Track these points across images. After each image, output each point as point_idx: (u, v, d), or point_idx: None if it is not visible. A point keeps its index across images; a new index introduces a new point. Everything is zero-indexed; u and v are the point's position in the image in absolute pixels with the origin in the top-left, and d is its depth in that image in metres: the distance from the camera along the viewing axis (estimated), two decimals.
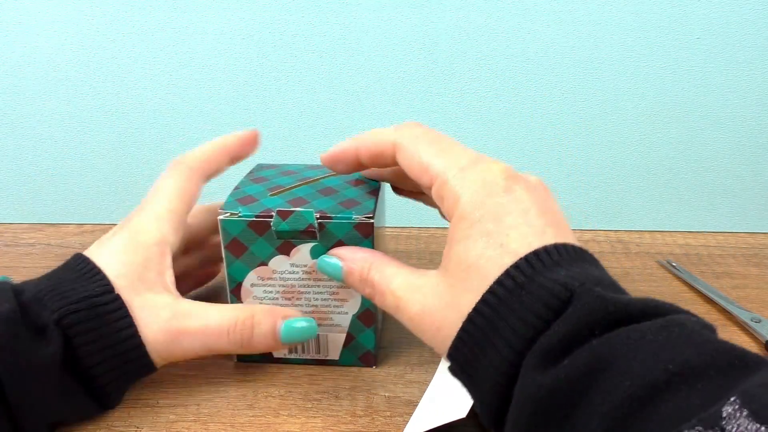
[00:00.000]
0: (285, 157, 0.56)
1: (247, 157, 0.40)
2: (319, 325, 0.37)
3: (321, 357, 0.39)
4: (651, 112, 0.54)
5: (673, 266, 0.51)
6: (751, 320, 0.44)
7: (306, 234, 0.35)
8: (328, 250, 0.35)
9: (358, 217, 0.35)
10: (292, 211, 0.35)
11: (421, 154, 0.30)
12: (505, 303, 0.24)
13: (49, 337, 0.31)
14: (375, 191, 0.38)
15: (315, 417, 0.36)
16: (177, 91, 0.54)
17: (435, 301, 0.28)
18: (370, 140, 0.33)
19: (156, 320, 0.34)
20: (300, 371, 0.40)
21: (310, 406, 0.37)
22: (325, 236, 0.35)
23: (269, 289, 0.37)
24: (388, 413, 0.36)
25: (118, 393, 0.35)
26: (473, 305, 0.25)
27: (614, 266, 0.52)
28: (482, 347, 0.25)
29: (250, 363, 0.40)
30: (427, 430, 0.33)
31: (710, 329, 0.23)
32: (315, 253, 0.36)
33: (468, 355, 0.26)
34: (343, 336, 0.38)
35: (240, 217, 0.35)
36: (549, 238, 0.26)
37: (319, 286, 0.37)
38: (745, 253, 0.55)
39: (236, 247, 0.36)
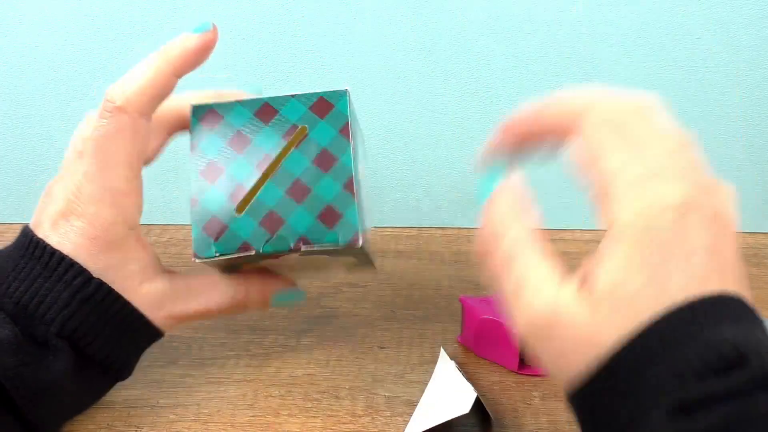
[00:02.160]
0: None
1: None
2: (315, 270, 0.38)
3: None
4: None
5: None
6: None
7: (291, 252, 0.32)
8: (316, 256, 0.33)
9: (343, 240, 0.31)
10: (269, 239, 0.32)
11: (601, 141, 0.26)
12: (657, 354, 0.21)
13: (55, 352, 0.30)
14: (350, 179, 0.32)
15: (315, 417, 0.36)
16: (177, 91, 0.54)
17: (570, 323, 0.23)
18: (547, 117, 0.29)
19: (159, 311, 0.34)
20: (300, 371, 0.40)
21: (310, 406, 0.37)
22: (308, 253, 0.32)
23: None
24: (388, 413, 0.36)
25: (134, 363, 0.35)
26: (617, 347, 0.22)
27: None
28: (621, 396, 0.22)
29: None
30: (429, 427, 0.32)
31: None
32: (302, 256, 0.33)
33: (599, 399, 0.23)
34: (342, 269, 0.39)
35: (217, 257, 0.32)
36: (713, 285, 0.22)
37: (311, 259, 0.34)
38: (745, 253, 0.54)
39: (225, 269, 0.35)
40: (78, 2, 0.52)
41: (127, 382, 0.38)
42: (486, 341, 0.40)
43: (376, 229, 0.56)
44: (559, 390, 0.27)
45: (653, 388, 0.21)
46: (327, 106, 0.33)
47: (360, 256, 0.34)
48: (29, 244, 0.31)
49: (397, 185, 0.57)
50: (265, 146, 0.33)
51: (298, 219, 0.31)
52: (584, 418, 0.24)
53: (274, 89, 0.54)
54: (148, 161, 0.34)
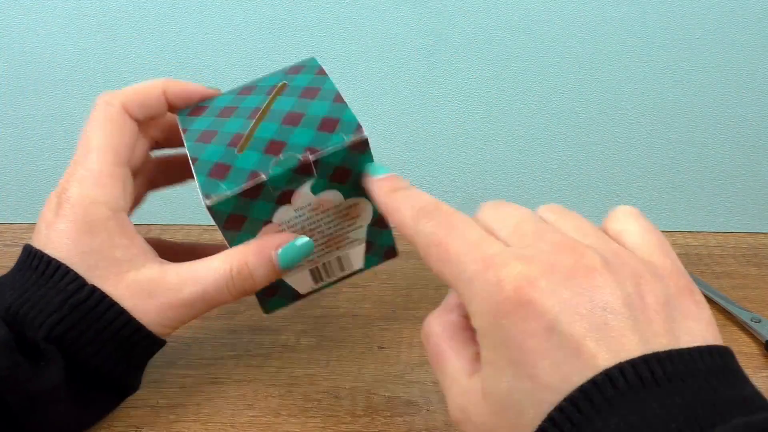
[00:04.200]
0: None
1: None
2: (337, 248, 0.35)
3: (347, 273, 0.37)
4: (651, 112, 0.54)
5: None
6: (751, 320, 0.44)
7: (302, 172, 0.31)
8: (329, 180, 0.32)
9: (348, 138, 0.31)
10: (276, 161, 0.31)
11: (434, 263, 0.25)
12: None
13: (46, 358, 0.29)
14: (338, 96, 0.34)
15: (315, 417, 0.36)
16: None
17: (476, 421, 0.23)
18: (393, 220, 0.29)
19: (150, 302, 0.31)
20: (300, 371, 0.40)
21: (310, 406, 0.37)
22: (321, 169, 0.32)
23: None
24: (388, 413, 0.36)
25: (136, 378, 0.34)
26: None
27: None
28: None
29: (281, 311, 0.37)
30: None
31: None
32: (316, 189, 0.32)
33: None
34: (363, 245, 0.36)
35: (229, 194, 0.31)
36: (588, 359, 0.20)
37: (328, 214, 0.34)
38: (745, 253, 0.55)
39: (234, 222, 0.32)
40: (78, 2, 0.52)
41: None
42: None
43: None
44: None
45: None
46: (300, 68, 0.37)
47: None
48: (27, 256, 0.32)
49: None
50: (252, 104, 0.34)
51: (300, 136, 0.32)
52: None
53: None
54: (135, 165, 0.35)
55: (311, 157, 0.31)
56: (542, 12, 0.51)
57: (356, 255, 0.36)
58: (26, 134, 0.56)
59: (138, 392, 0.37)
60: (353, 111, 0.33)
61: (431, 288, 0.47)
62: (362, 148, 0.32)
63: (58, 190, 0.32)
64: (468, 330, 0.26)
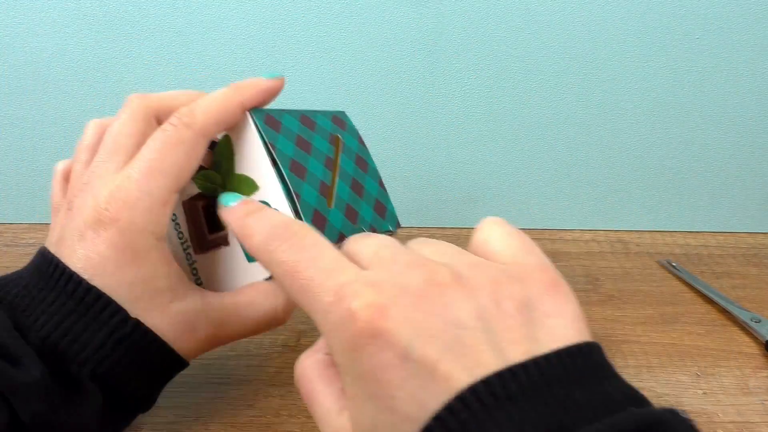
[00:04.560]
0: None
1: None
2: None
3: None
4: (651, 112, 0.54)
5: (673, 266, 0.51)
6: (751, 320, 0.44)
7: None
8: None
9: (391, 227, 0.38)
10: (356, 228, 0.35)
11: (291, 295, 0.24)
12: None
13: (85, 394, 0.28)
14: (380, 180, 0.39)
15: None
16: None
17: None
18: (248, 247, 0.27)
19: (191, 335, 0.31)
20: None
21: None
22: None
23: None
24: None
25: (156, 396, 0.33)
26: None
27: (614, 266, 0.52)
28: None
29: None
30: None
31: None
32: None
33: None
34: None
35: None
36: (442, 382, 0.19)
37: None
38: (745, 253, 0.55)
39: None
40: (78, 2, 0.52)
41: None
42: None
43: None
44: None
45: None
46: (342, 122, 0.39)
47: None
48: (54, 270, 0.29)
49: (397, 185, 0.57)
50: (322, 149, 0.36)
51: (365, 211, 0.36)
52: None
53: None
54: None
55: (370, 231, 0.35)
56: (542, 12, 0.51)
57: None
58: (26, 134, 0.56)
59: None
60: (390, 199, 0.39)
61: None
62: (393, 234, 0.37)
63: (97, 205, 0.29)
64: (334, 366, 0.25)
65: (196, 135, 0.30)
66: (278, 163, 0.33)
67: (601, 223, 0.58)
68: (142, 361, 0.29)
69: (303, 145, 0.35)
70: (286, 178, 0.32)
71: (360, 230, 0.34)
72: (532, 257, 0.24)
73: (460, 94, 0.54)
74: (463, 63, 0.53)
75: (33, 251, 0.42)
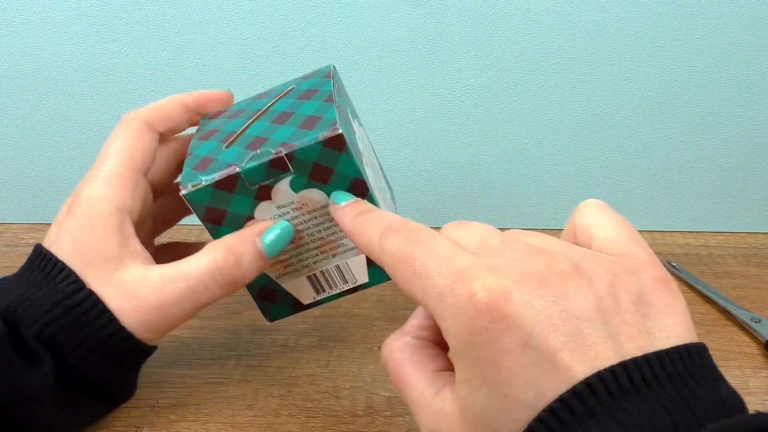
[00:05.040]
0: None
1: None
2: (333, 255, 0.35)
3: (351, 286, 0.36)
4: (651, 112, 0.54)
5: (673, 266, 0.51)
6: (751, 320, 0.44)
7: (276, 167, 0.31)
8: (309, 178, 0.32)
9: (323, 134, 0.31)
10: (253, 155, 0.31)
11: (401, 281, 0.24)
12: None
13: (37, 356, 0.29)
14: (330, 96, 0.33)
15: (315, 417, 0.36)
16: (177, 91, 0.54)
17: None
18: (357, 242, 0.28)
19: (135, 303, 0.31)
20: (300, 371, 0.40)
21: (310, 406, 0.37)
22: (297, 166, 0.31)
23: None
24: (388, 413, 0.36)
25: (127, 385, 0.34)
26: None
27: None
28: None
29: (283, 320, 0.37)
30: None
31: None
32: (296, 186, 0.32)
33: None
34: (363, 256, 0.35)
35: (203, 184, 0.31)
36: (563, 372, 0.20)
37: (315, 216, 0.33)
38: (745, 253, 0.55)
39: (214, 214, 0.33)
40: (78, 2, 0.52)
41: None
42: None
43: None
44: None
45: None
46: (313, 73, 0.37)
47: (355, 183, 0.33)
48: (36, 255, 0.33)
49: (397, 185, 0.57)
50: (258, 106, 0.36)
51: (281, 133, 0.32)
52: None
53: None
54: (157, 175, 0.37)
55: (283, 151, 0.31)
56: (542, 12, 0.51)
57: (358, 266, 0.36)
58: (26, 134, 0.56)
59: (138, 392, 0.37)
60: (337, 110, 0.32)
61: None
62: (337, 144, 0.31)
63: (76, 190, 0.33)
64: (428, 348, 0.25)
65: (138, 123, 0.34)
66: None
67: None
68: (91, 333, 0.31)
69: (234, 115, 0.36)
70: (189, 148, 0.35)
71: (263, 153, 0.31)
72: (642, 250, 0.24)
73: (460, 94, 0.54)
74: (463, 63, 0.53)
75: None
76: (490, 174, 0.56)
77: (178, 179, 0.34)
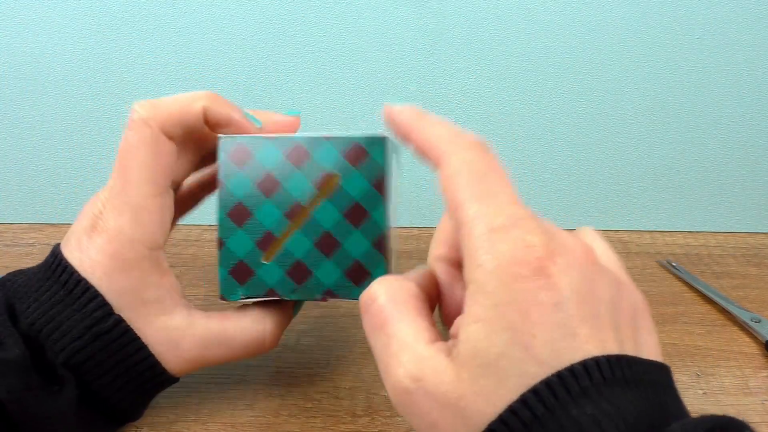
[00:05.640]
0: None
1: None
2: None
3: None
4: (651, 112, 0.54)
5: (673, 266, 0.51)
6: (751, 320, 0.44)
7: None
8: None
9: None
10: (297, 289, 0.32)
11: (459, 189, 0.24)
12: None
13: (61, 382, 0.28)
14: (382, 237, 0.31)
15: (315, 417, 0.36)
16: (177, 91, 0.54)
17: (434, 388, 0.22)
18: (424, 136, 0.27)
19: (176, 353, 0.31)
20: (300, 371, 0.40)
21: (310, 406, 0.37)
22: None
23: None
24: (388, 413, 0.36)
25: (142, 408, 0.34)
26: (487, 422, 0.20)
27: None
28: None
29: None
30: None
31: None
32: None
33: None
34: None
35: (243, 301, 0.32)
36: (581, 343, 0.21)
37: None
38: (745, 253, 0.55)
39: None
40: (78, 2, 0.52)
41: None
42: None
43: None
44: None
45: None
46: (361, 154, 0.31)
47: None
48: (56, 264, 0.30)
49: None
50: (296, 192, 0.32)
51: (326, 272, 0.32)
52: None
53: (274, 89, 0.54)
54: (178, 181, 0.33)
55: (328, 298, 0.32)
56: (542, 12, 0.51)
57: None
58: (26, 134, 0.56)
59: None
60: (386, 264, 0.31)
61: None
62: None
63: (95, 209, 0.31)
64: (422, 301, 0.25)
65: (154, 134, 0.30)
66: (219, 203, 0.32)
67: (601, 223, 0.58)
68: (120, 360, 0.30)
69: (267, 185, 0.32)
70: (217, 211, 0.32)
71: (307, 291, 0.32)
72: (629, 279, 0.26)
73: (460, 94, 0.54)
74: (463, 63, 0.53)
75: (33, 251, 0.42)
76: None
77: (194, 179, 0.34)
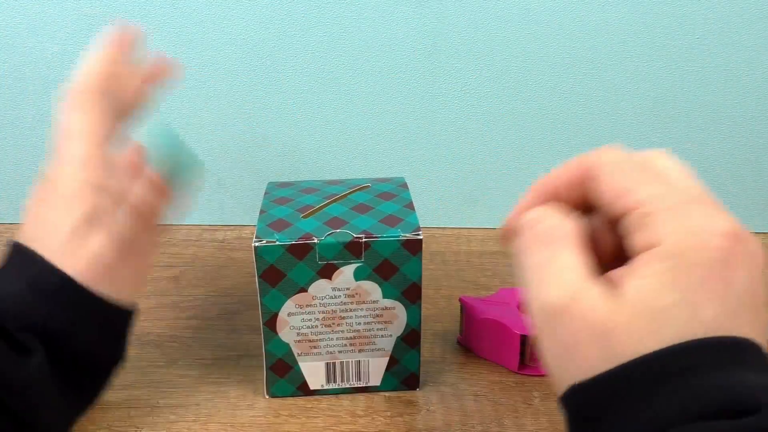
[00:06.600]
0: (284, 156, 0.56)
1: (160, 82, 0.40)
2: (359, 351, 0.36)
3: (361, 385, 0.37)
4: (651, 112, 0.54)
5: None
6: None
7: (351, 250, 0.34)
8: (374, 271, 0.34)
9: (405, 235, 0.34)
10: (332, 232, 0.34)
11: (626, 179, 0.25)
12: (673, 380, 0.21)
13: (27, 349, 0.29)
14: (411, 204, 0.37)
15: (315, 417, 0.36)
16: (177, 91, 0.54)
17: (589, 314, 0.23)
18: (566, 172, 0.28)
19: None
20: None
21: (310, 406, 0.37)
22: (369, 256, 0.34)
23: (308, 317, 0.35)
24: (388, 413, 0.36)
25: (117, 346, 0.32)
26: (637, 357, 0.21)
27: None
28: (622, 406, 0.21)
29: (285, 398, 0.38)
30: None
31: None
32: (359, 275, 0.34)
33: (599, 401, 0.22)
34: (386, 360, 0.37)
35: (277, 243, 0.33)
36: (740, 325, 0.22)
37: (362, 308, 0.35)
38: None
39: (273, 275, 0.34)
40: (78, 2, 0.52)
41: (127, 381, 0.38)
42: (486, 341, 0.40)
43: None
44: None
45: (657, 413, 0.21)
46: (387, 180, 0.40)
47: None
48: (12, 247, 0.33)
49: None
50: (333, 191, 0.38)
51: (362, 221, 0.35)
52: (575, 417, 0.23)
53: (274, 89, 0.54)
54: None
55: (363, 238, 0.33)
56: (542, 12, 0.51)
57: (377, 368, 0.37)
58: (26, 134, 0.56)
59: (138, 392, 0.37)
60: (415, 214, 0.36)
61: (431, 288, 0.47)
62: (414, 248, 0.34)
63: (47, 183, 0.35)
64: (583, 240, 0.25)
65: (89, 99, 0.37)
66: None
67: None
68: (68, 306, 0.30)
69: (306, 191, 0.39)
70: (261, 205, 0.37)
71: (342, 233, 0.34)
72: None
73: (460, 94, 0.54)
74: (463, 63, 0.53)
75: None
76: (490, 174, 0.56)
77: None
